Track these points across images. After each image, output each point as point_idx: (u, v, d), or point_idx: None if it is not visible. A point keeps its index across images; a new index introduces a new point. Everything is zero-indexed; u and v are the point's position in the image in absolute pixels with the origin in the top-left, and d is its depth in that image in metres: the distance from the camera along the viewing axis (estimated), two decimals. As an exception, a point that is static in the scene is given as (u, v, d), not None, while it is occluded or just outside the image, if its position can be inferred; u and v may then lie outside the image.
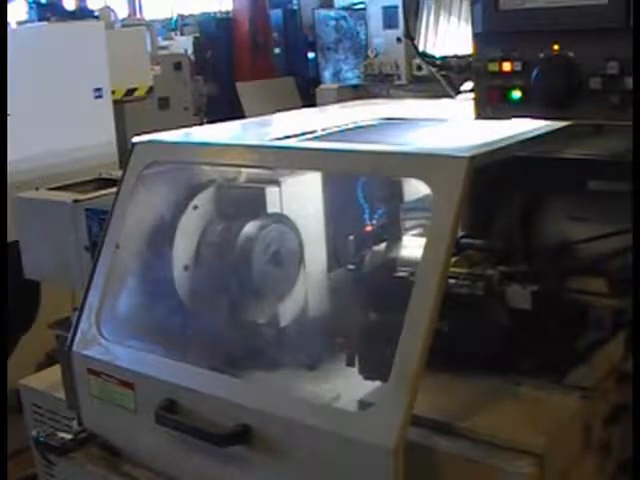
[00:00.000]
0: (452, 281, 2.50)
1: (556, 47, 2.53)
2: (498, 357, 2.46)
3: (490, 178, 2.62)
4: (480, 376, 2.46)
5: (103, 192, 3.70)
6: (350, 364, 2.57)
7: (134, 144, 2.84)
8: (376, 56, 10.96)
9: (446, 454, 2.17)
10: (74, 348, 2.71)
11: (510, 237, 2.77)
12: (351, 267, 2.80)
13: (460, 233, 2.80)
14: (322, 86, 12.40)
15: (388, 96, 9.27)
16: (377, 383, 2.37)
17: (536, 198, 2.80)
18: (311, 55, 14.50)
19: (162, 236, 2.83)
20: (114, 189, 2.89)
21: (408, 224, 2.88)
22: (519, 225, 2.77)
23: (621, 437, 2.54)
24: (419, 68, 10.17)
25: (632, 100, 2.29)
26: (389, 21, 10.80)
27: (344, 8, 13.66)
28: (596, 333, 2.52)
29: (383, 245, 2.82)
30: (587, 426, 2.37)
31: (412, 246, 2.68)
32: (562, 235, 2.70)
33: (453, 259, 2.70)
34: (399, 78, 10.69)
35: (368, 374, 2.47)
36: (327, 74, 13.14)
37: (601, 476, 2.48)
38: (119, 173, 2.98)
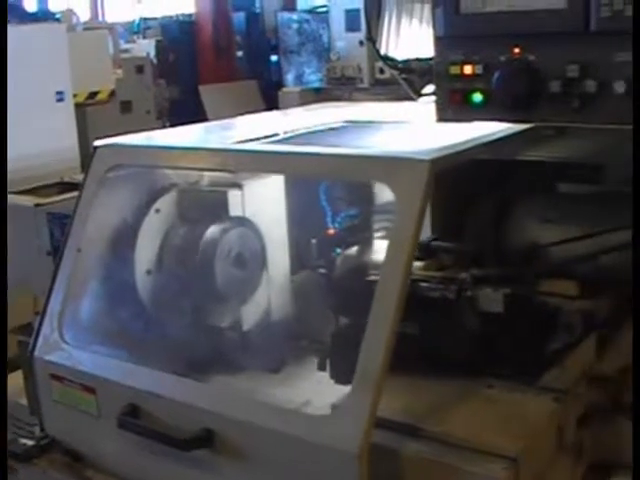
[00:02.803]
0: (424, 284, 2.51)
1: (517, 50, 2.54)
2: (470, 360, 2.47)
3: (460, 181, 2.63)
4: (453, 379, 2.46)
5: (65, 196, 3.69)
6: (321, 368, 2.56)
7: (96, 148, 2.83)
8: (338, 59, 10.99)
9: (418, 458, 2.17)
10: (36, 353, 2.69)
11: (481, 240, 2.77)
12: (322, 270, 2.81)
13: (431, 236, 2.81)
14: (285, 89, 12.42)
15: (350, 99, 9.29)
16: (346, 387, 2.36)
17: (506, 201, 2.80)
18: (274, 58, 14.51)
19: (124, 240, 2.81)
20: (76, 193, 2.87)
21: (380, 227, 2.89)
22: (490, 228, 2.78)
23: (592, 438, 2.56)
24: (381, 71, 10.22)
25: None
26: (351, 24, 10.83)
27: (307, 11, 13.71)
28: (568, 336, 2.54)
29: (355, 249, 2.82)
30: (560, 428, 2.38)
31: (384, 250, 2.69)
32: (533, 238, 2.71)
33: (424, 263, 2.71)
34: (362, 81, 10.73)
35: (339, 378, 2.46)
36: (290, 77, 13.17)
37: (573, 478, 2.49)
38: (81, 177, 2.96)
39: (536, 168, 2.60)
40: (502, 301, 2.42)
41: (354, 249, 2.86)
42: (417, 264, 2.72)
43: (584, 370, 2.52)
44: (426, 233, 2.84)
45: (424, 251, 2.75)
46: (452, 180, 2.63)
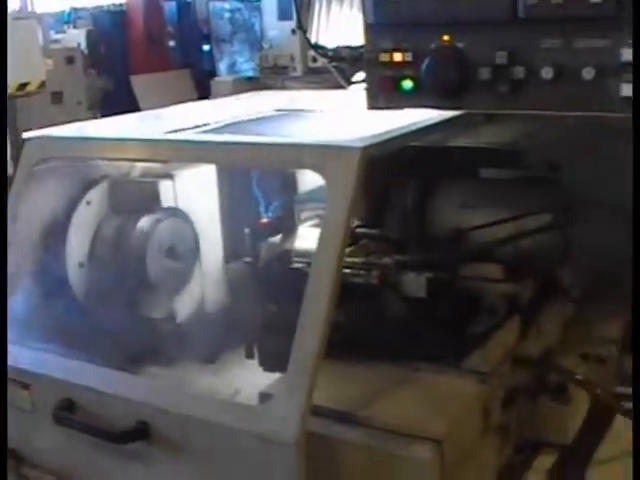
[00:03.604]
0: (347, 271, 2.51)
1: (446, 38, 2.56)
2: (396, 344, 2.48)
3: (384, 167, 2.64)
4: (379, 364, 2.47)
5: (-6, 190, 3.62)
6: (249, 356, 2.56)
7: (25, 140, 2.79)
8: (271, 48, 10.95)
9: (346, 443, 2.17)
10: (-32, 350, 2.65)
11: (405, 226, 2.79)
12: (247, 260, 2.80)
13: (356, 223, 2.81)
14: (217, 78, 12.36)
15: (283, 88, 9.26)
16: (277, 375, 2.36)
17: (429, 187, 2.82)
18: (206, 48, 14.41)
19: (56, 233, 2.79)
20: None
21: (304, 215, 2.89)
22: (413, 214, 2.80)
23: (518, 419, 2.59)
24: (314, 60, 10.18)
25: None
26: (284, 13, 10.78)
27: (239, 0, 13.61)
28: (491, 318, 2.56)
29: (278, 237, 2.82)
30: (486, 410, 2.40)
31: (307, 237, 2.69)
32: (456, 223, 2.73)
33: (349, 249, 2.72)
34: (294, 70, 10.69)
35: (268, 366, 2.46)
36: (222, 66, 13.11)
37: (500, 458, 2.52)
38: (11, 170, 2.92)
39: (459, 154, 2.63)
40: (425, 285, 2.44)
41: (278, 237, 2.86)
42: None
43: (508, 352, 2.55)
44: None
45: (349, 237, 2.76)
46: (376, 167, 2.65)
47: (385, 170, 2.66)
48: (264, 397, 2.23)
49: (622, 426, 2.36)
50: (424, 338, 2.49)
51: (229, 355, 2.73)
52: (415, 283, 2.44)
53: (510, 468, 2.56)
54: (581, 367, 2.72)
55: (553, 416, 2.61)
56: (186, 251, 2.86)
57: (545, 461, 2.60)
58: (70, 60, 10.95)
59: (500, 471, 2.52)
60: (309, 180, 2.82)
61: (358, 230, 2.77)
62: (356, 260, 2.57)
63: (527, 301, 2.67)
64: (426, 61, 2.55)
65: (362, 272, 2.51)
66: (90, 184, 2.85)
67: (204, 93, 11.72)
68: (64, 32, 14.13)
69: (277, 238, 2.81)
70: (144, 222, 2.78)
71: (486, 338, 2.49)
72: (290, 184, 2.88)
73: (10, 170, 3.34)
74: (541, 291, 2.73)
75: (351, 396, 2.33)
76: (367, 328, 2.48)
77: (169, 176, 2.83)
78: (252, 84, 10.71)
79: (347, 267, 2.52)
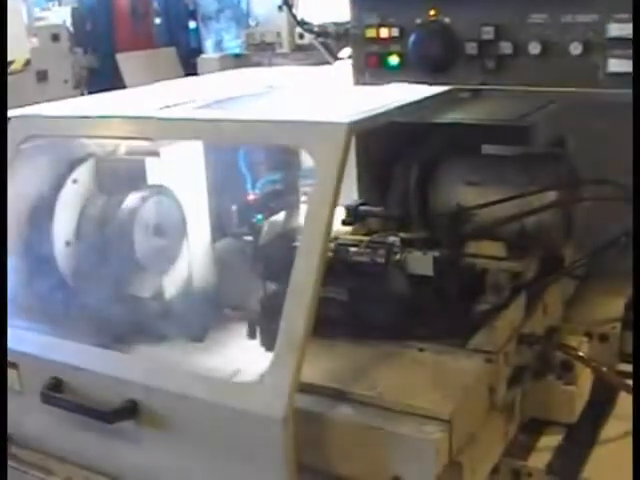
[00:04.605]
0: (352, 249, 2.51)
1: (432, 13, 2.55)
2: (401, 324, 2.48)
3: (385, 145, 2.63)
4: (383, 343, 2.47)
5: (-20, 169, 3.60)
6: (252, 336, 2.55)
7: (9, 118, 2.78)
8: (257, 25, 10.92)
9: (349, 422, 2.17)
10: (-46, 330, 2.64)
11: (407, 204, 2.78)
12: (248, 238, 2.80)
13: (359, 201, 2.81)
14: (204, 56, 12.33)
15: (270, 65, 9.24)
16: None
17: (430, 164, 2.81)
18: (192, 25, 14.36)
19: (42, 212, 2.77)
20: (-9, 165, 2.82)
21: (302, 192, 2.89)
22: (415, 192, 2.78)
23: (523, 398, 2.60)
24: (301, 37, 10.18)
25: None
26: (270, -11, 10.75)
27: (225, -24, 13.54)
28: (496, 296, 2.55)
29: (281, 215, 2.81)
30: (492, 388, 2.40)
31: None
32: (458, 200, 2.72)
33: (353, 227, 2.72)
34: (281, 47, 10.67)
35: (270, 345, 2.45)
36: (209, 44, 13.06)
37: (505, 437, 2.53)
38: (-4, 149, 2.90)
39: (459, 130, 2.61)
40: (432, 264, 2.43)
41: (280, 215, 2.85)
42: (345, 229, 2.73)
43: (514, 330, 2.54)
44: (354, 197, 2.85)
45: (352, 216, 2.76)
46: (377, 144, 2.64)
47: (384, 147, 2.65)
48: (254, 375, 2.23)
49: (627, 404, 2.36)
50: (429, 317, 2.49)
51: (217, 333, 2.72)
52: (422, 261, 2.44)
53: (516, 447, 2.57)
54: (584, 345, 2.72)
55: (559, 395, 2.62)
56: (173, 229, 2.85)
57: (551, 440, 2.60)
58: (55, 38, 10.90)
59: (506, 450, 2.53)
60: (297, 156, 2.81)
61: (361, 208, 2.76)
62: (360, 238, 2.57)
63: (532, 279, 2.67)
64: (412, 36, 2.55)
65: (367, 250, 2.50)
66: (76, 162, 2.84)
67: (191, 71, 11.68)
68: (49, 10, 14.05)
69: (279, 216, 2.81)
70: (130, 200, 2.77)
71: (492, 317, 2.48)
72: (277, 160, 2.87)
73: (-5, 149, 3.32)
74: (545, 269, 2.72)
75: (356, 376, 2.33)
76: (371, 307, 2.47)
77: (155, 153, 2.82)
78: (239, 61, 10.70)
79: (352, 245, 2.52)
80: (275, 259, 2.63)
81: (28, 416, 2.56)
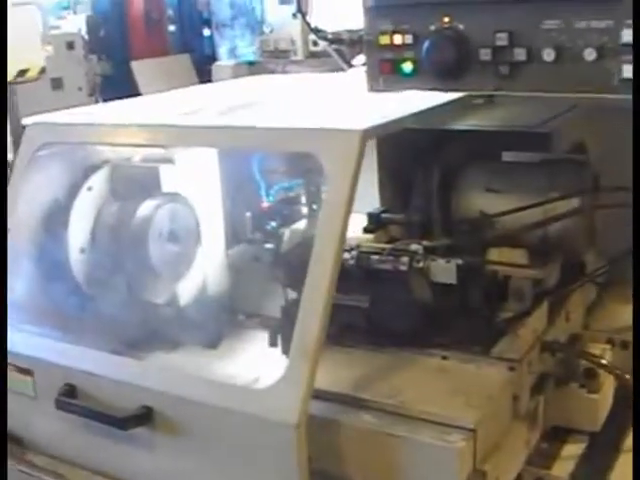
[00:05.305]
0: (375, 257, 2.51)
1: (446, 19, 2.54)
2: (423, 331, 2.48)
3: (406, 152, 2.63)
4: (406, 351, 2.48)
5: (-5, 176, 3.62)
6: (273, 344, 2.55)
7: (25, 126, 2.79)
8: (272, 32, 10.93)
9: (370, 430, 2.18)
10: (-31, 336, 2.65)
11: (428, 211, 2.77)
12: (267, 245, 2.80)
13: (381, 208, 2.81)
14: (218, 63, 12.34)
15: (284, 72, 9.25)
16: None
17: (450, 171, 2.80)
18: (207, 32, 14.38)
19: (57, 219, 2.79)
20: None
21: (317, 199, 2.88)
22: (436, 199, 2.77)
23: (546, 406, 2.59)
24: (315, 44, 10.18)
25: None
26: (284, -4, 10.78)
27: (239, -17, 13.56)
28: (519, 304, 2.55)
29: (302, 222, 2.82)
30: (515, 397, 2.40)
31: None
32: (479, 207, 2.71)
33: (375, 235, 2.71)
34: (295, 54, 10.68)
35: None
36: (223, 51, 13.08)
37: (529, 446, 2.52)
38: (11, 156, 2.92)
39: (480, 137, 2.61)
40: (455, 272, 2.43)
41: (301, 223, 2.86)
42: (367, 236, 2.72)
43: (536, 338, 2.54)
44: (375, 205, 2.85)
45: (374, 223, 2.76)
46: (399, 151, 2.64)
47: (405, 154, 2.65)
48: (268, 381, 2.23)
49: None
50: (452, 325, 2.48)
51: (231, 340, 2.73)
52: (445, 269, 2.43)
53: (539, 455, 2.56)
54: (607, 353, 2.71)
55: (582, 403, 2.61)
56: (187, 236, 2.85)
57: (574, 449, 2.59)
58: (70, 46, 10.94)
59: (529, 458, 2.52)
60: (311, 163, 2.81)
61: (383, 215, 2.76)
62: (383, 246, 2.56)
63: (554, 286, 2.66)
64: (426, 43, 2.54)
65: (389, 258, 2.49)
66: (91, 170, 2.85)
67: (205, 78, 11.70)
68: (64, 18, 14.10)
69: (300, 223, 2.81)
70: (145, 207, 2.78)
71: (515, 324, 2.48)
72: (292, 167, 2.87)
73: (10, 156, 3.34)
74: (567, 276, 2.71)
75: (379, 384, 2.34)
76: (394, 314, 2.47)
77: (170, 161, 2.82)
78: (253, 68, 10.71)
79: (374, 253, 2.51)
80: (296, 266, 2.62)
81: (42, 422, 2.57)
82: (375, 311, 2.47)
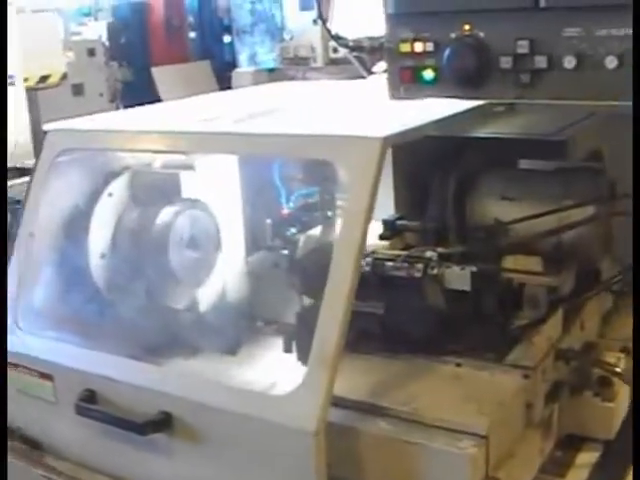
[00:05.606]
0: (389, 263, 2.51)
1: (467, 27, 2.54)
2: (438, 338, 2.47)
3: (422, 159, 2.63)
4: (420, 358, 2.48)
5: (16, 181, 3.65)
6: (288, 350, 2.56)
7: (46, 132, 2.80)
8: (292, 39, 10.95)
9: (384, 437, 2.18)
10: (-10, 341, 2.66)
11: (444, 218, 2.77)
12: (284, 251, 2.80)
13: (396, 215, 2.81)
14: (238, 70, 12.38)
15: (304, 79, 9.26)
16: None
17: (466, 178, 2.80)
18: (227, 39, 14.42)
19: (77, 224, 2.79)
20: (27, 178, 2.84)
21: (336, 206, 2.88)
22: (452, 206, 2.77)
23: (560, 414, 2.58)
24: (335, 50, 10.19)
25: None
26: (304, 3, 10.81)
27: (260, -9, 13.59)
28: (533, 312, 2.55)
29: (318, 228, 2.82)
30: (529, 405, 2.40)
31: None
32: (494, 214, 2.71)
33: (390, 242, 2.71)
34: (315, 61, 10.69)
35: (306, 359, 2.45)
36: (243, 58, 13.11)
37: (542, 453, 2.52)
38: (33, 162, 2.93)
39: (496, 144, 2.61)
40: (469, 279, 2.43)
41: (317, 229, 2.86)
42: (382, 243, 2.72)
43: (551, 346, 2.53)
44: (391, 212, 2.85)
45: (389, 230, 2.76)
46: (415, 158, 2.64)
47: (421, 161, 2.65)
48: (288, 388, 2.23)
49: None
50: (466, 332, 2.48)
51: (250, 347, 2.73)
52: (459, 276, 2.43)
53: (553, 463, 2.56)
54: (622, 361, 2.70)
55: (597, 411, 2.60)
56: (207, 242, 2.86)
57: (588, 457, 2.59)
58: (91, 52, 11.00)
59: (543, 466, 2.52)
60: (331, 170, 2.81)
61: (398, 223, 2.76)
62: (398, 253, 2.56)
63: (569, 294, 2.65)
64: (447, 51, 2.54)
65: (404, 265, 2.49)
66: (111, 176, 2.86)
67: (224, 85, 11.73)
68: (85, 25, 14.17)
69: (316, 230, 2.82)
70: (165, 213, 2.79)
71: (529, 332, 2.48)
72: (312, 174, 2.87)
73: (31, 161, 3.35)
74: (582, 283, 2.70)
75: (392, 391, 2.35)
76: (409, 321, 2.47)
77: (190, 167, 2.83)
78: (273, 75, 10.73)
79: (389, 260, 2.51)
80: (311, 273, 2.63)
81: (61, 427, 2.58)
82: (390, 317, 2.47)
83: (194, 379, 2.39)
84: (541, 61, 2.44)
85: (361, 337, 2.39)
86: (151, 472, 2.39)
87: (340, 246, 2.11)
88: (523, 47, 2.45)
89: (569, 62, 2.40)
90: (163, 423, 2.26)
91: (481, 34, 2.52)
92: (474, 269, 2.43)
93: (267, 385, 2.35)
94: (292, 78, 9.70)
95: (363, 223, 2.07)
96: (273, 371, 2.48)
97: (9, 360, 2.63)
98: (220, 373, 2.54)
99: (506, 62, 2.48)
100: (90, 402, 2.42)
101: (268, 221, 2.89)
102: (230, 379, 2.43)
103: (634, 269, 2.19)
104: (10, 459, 2.62)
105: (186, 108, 3.23)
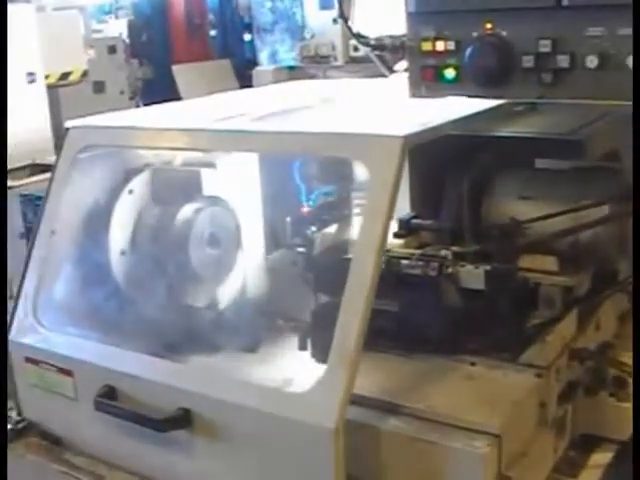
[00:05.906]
0: (404, 262, 2.51)
1: (489, 26, 2.54)
2: (452, 337, 2.47)
3: (438, 157, 2.62)
4: (434, 357, 2.47)
5: (37, 178, 3.67)
6: (303, 348, 2.56)
7: (68, 128, 2.81)
8: (312, 37, 10.95)
9: (399, 435, 2.18)
10: (11, 337, 2.67)
11: (460, 217, 2.76)
12: (300, 249, 2.80)
13: (411, 214, 2.81)
14: (258, 68, 12.36)
15: (325, 77, 9.26)
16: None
17: (483, 177, 2.79)
18: (247, 37, 14.42)
19: (98, 221, 2.80)
20: (48, 175, 2.85)
21: (356, 204, 2.89)
22: (468, 205, 2.77)
23: (574, 413, 2.58)
24: (356, 49, 10.18)
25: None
26: (325, 2, 10.79)
27: (280, -11, 13.58)
28: (548, 311, 2.54)
29: (333, 226, 2.82)
30: (542, 404, 2.39)
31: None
32: (511, 214, 2.70)
33: (405, 240, 2.71)
34: (335, 59, 10.69)
35: (320, 357, 2.45)
36: (264, 56, 13.10)
37: (556, 453, 2.51)
38: (54, 159, 2.94)
39: (513, 144, 2.60)
40: (484, 277, 2.42)
41: (333, 227, 2.86)
42: (397, 242, 2.72)
43: (565, 346, 2.53)
44: (406, 210, 2.85)
45: (404, 228, 2.75)
46: (430, 157, 2.63)
47: (437, 160, 2.64)
48: (306, 386, 2.23)
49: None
50: (481, 331, 2.47)
51: (270, 344, 2.73)
52: (474, 275, 2.43)
53: (566, 463, 2.55)
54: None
55: (611, 412, 2.59)
56: (228, 239, 2.86)
57: (602, 457, 2.57)
58: (112, 50, 11.00)
59: (556, 466, 2.51)
60: (352, 168, 2.81)
61: (414, 221, 2.76)
62: (412, 251, 2.56)
63: (585, 294, 2.64)
64: (469, 49, 2.54)
65: (419, 263, 2.49)
66: (132, 173, 2.87)
67: (245, 83, 11.72)
68: (106, 22, 14.20)
69: (332, 228, 2.81)
70: (186, 210, 2.79)
71: (544, 331, 2.47)
72: (332, 172, 2.87)
73: (52, 158, 3.36)
74: (599, 283, 2.69)
75: (407, 389, 2.34)
76: (423, 320, 2.47)
77: (211, 165, 2.83)
78: (293, 74, 10.73)
79: (403, 258, 2.51)
80: (326, 271, 2.63)
81: (81, 423, 2.59)
82: (404, 315, 2.47)
83: (214, 376, 2.39)
84: (563, 60, 2.44)
85: (376, 335, 2.39)
86: (170, 468, 2.40)
87: (361, 244, 2.11)
88: (545, 46, 2.45)
89: (591, 61, 2.40)
90: (183, 420, 2.27)
91: (503, 33, 2.52)
92: (488, 268, 2.42)
93: (286, 382, 2.35)
94: (313, 76, 9.70)
95: (384, 221, 2.07)
96: (292, 368, 2.48)
97: (29, 356, 2.64)
98: (240, 370, 2.54)
99: (528, 61, 2.48)
100: (110, 398, 2.42)
101: (288, 219, 2.89)
102: (250, 376, 2.43)
103: (634, 269, 2.18)
104: (29, 455, 2.63)
105: (207, 106, 3.23)
